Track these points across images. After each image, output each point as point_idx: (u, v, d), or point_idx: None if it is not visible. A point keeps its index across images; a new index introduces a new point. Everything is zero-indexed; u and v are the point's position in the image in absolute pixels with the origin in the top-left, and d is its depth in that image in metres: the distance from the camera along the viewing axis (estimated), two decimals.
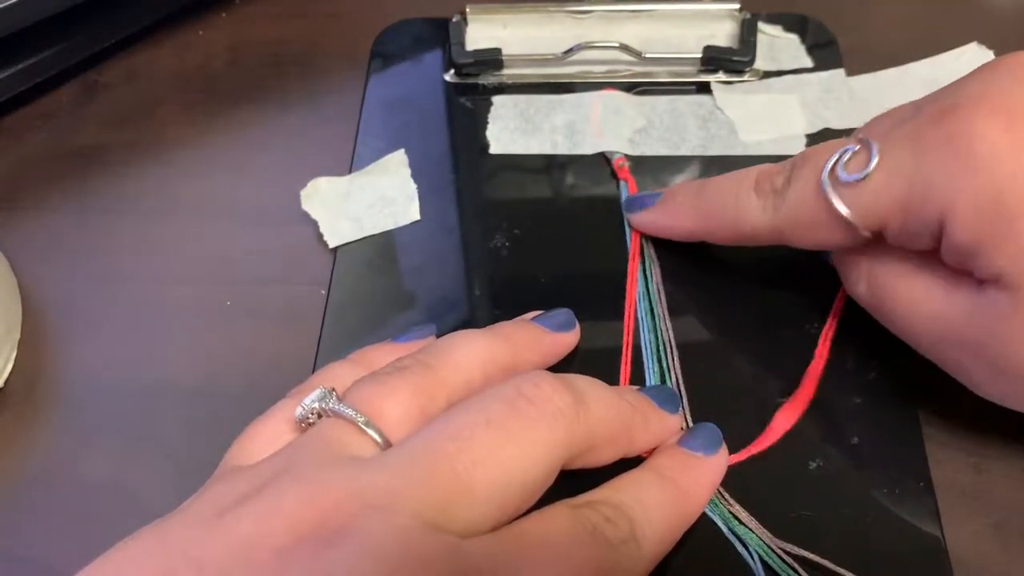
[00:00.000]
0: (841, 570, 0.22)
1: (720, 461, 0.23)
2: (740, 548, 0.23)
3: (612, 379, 0.26)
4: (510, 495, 0.19)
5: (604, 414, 0.22)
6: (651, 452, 0.24)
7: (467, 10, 0.36)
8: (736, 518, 0.23)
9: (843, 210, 0.23)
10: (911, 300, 0.23)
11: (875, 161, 0.22)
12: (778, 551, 0.23)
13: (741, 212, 0.26)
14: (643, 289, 0.28)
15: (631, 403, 0.23)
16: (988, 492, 0.24)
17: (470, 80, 0.35)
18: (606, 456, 0.22)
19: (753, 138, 0.32)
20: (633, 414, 0.23)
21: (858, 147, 0.23)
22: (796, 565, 0.22)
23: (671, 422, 0.24)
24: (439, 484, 0.19)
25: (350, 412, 0.21)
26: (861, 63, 0.34)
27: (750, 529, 0.23)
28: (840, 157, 0.23)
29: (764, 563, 0.23)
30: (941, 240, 0.22)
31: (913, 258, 0.23)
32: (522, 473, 0.19)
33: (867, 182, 0.22)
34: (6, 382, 0.28)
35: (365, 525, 0.18)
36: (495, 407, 0.20)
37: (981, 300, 0.22)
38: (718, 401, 0.26)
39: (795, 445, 0.25)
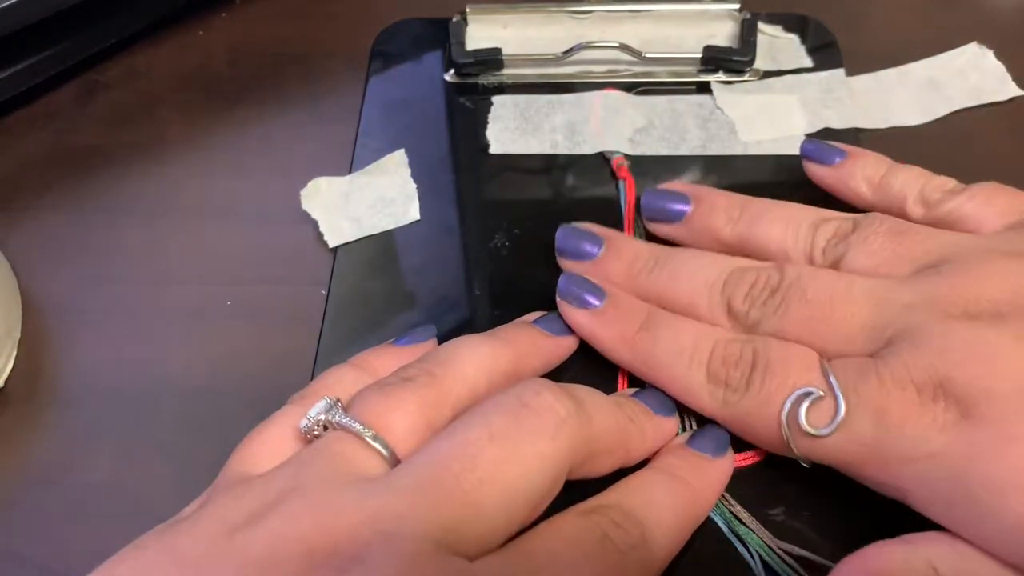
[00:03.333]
0: None
1: (727, 464, 0.23)
2: (741, 548, 0.23)
3: (611, 379, 0.26)
4: (517, 509, 0.19)
5: (604, 423, 0.22)
6: (653, 455, 0.24)
7: (467, 10, 0.36)
8: (737, 518, 0.23)
9: (797, 452, 0.22)
10: None
11: (838, 422, 0.21)
12: (778, 551, 0.23)
13: (689, 388, 0.24)
14: None
15: (628, 416, 0.23)
16: None
17: (470, 80, 0.35)
18: (605, 466, 0.22)
19: (753, 138, 0.33)
20: (629, 426, 0.23)
21: (823, 395, 0.22)
22: (796, 565, 0.22)
23: (667, 426, 0.24)
24: (447, 505, 0.19)
25: (357, 426, 0.21)
26: (861, 63, 0.35)
27: (751, 529, 0.23)
28: (802, 400, 0.22)
29: (764, 563, 0.23)
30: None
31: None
32: (528, 486, 0.20)
33: (827, 439, 0.22)
34: (6, 382, 0.28)
35: (377, 552, 0.18)
36: (498, 420, 0.20)
37: None
38: None
39: None
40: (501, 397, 0.21)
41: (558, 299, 0.26)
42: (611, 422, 0.22)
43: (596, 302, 0.26)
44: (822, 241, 0.25)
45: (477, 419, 0.20)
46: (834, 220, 0.25)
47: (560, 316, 0.26)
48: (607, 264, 0.27)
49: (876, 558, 0.20)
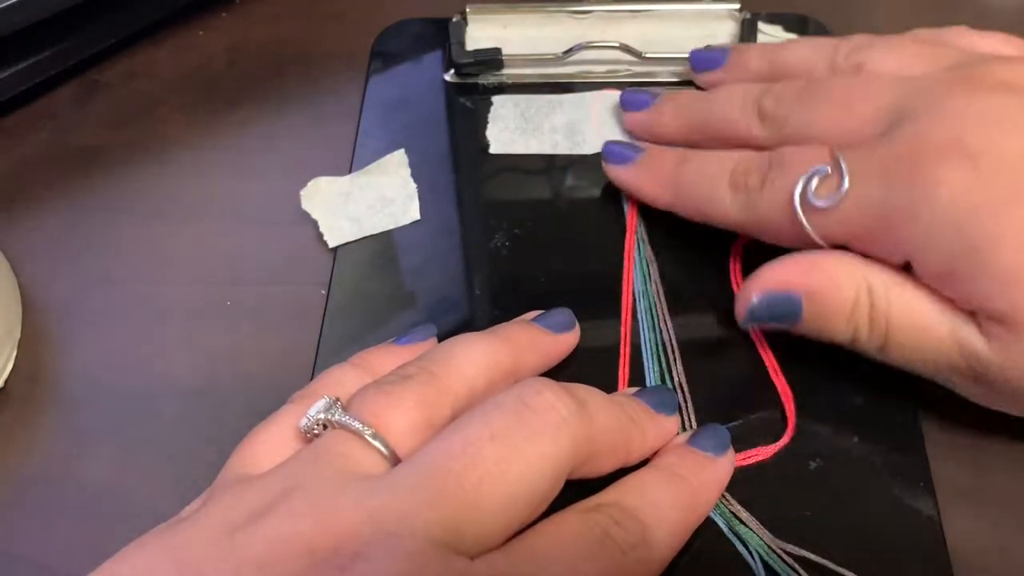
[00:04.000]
0: (841, 570, 0.22)
1: (728, 463, 0.23)
2: (741, 548, 0.23)
3: (612, 378, 0.26)
4: (518, 508, 0.19)
5: (605, 423, 0.22)
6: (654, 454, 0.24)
7: (467, 10, 0.36)
8: (737, 518, 0.23)
9: (810, 230, 0.24)
10: (922, 326, 0.23)
11: (844, 191, 0.23)
12: (778, 551, 0.23)
13: (714, 201, 0.26)
14: (642, 287, 0.28)
15: (629, 415, 0.23)
16: (988, 491, 0.24)
17: (470, 80, 0.35)
18: (606, 466, 0.22)
19: None
20: (631, 425, 0.23)
21: (830, 170, 0.23)
22: (796, 565, 0.22)
23: (668, 425, 0.24)
24: (448, 504, 0.19)
25: (356, 425, 0.21)
26: None
27: (751, 529, 0.23)
28: (812, 177, 0.24)
29: (764, 563, 0.23)
30: (914, 265, 0.23)
31: (916, 281, 0.23)
32: (529, 486, 0.19)
33: (836, 210, 0.23)
34: (6, 382, 0.28)
35: (378, 551, 0.18)
36: (499, 419, 0.20)
37: (971, 330, 0.22)
38: (720, 399, 0.26)
39: (795, 445, 0.25)
40: (502, 397, 0.21)
41: (604, 163, 0.30)
42: (612, 422, 0.22)
43: (636, 155, 0.29)
44: (846, 49, 0.28)
45: (478, 418, 0.20)
46: (859, 38, 0.28)
47: (560, 313, 0.26)
48: (662, 107, 0.31)
49: (822, 257, 0.24)
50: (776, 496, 0.24)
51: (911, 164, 0.22)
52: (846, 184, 0.23)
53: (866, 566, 0.22)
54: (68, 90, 0.36)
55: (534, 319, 0.26)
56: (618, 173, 0.30)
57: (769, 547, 0.23)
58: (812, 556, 0.22)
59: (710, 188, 0.26)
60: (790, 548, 0.23)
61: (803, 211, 0.24)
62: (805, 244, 0.25)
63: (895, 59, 0.26)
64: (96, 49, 0.36)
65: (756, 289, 0.25)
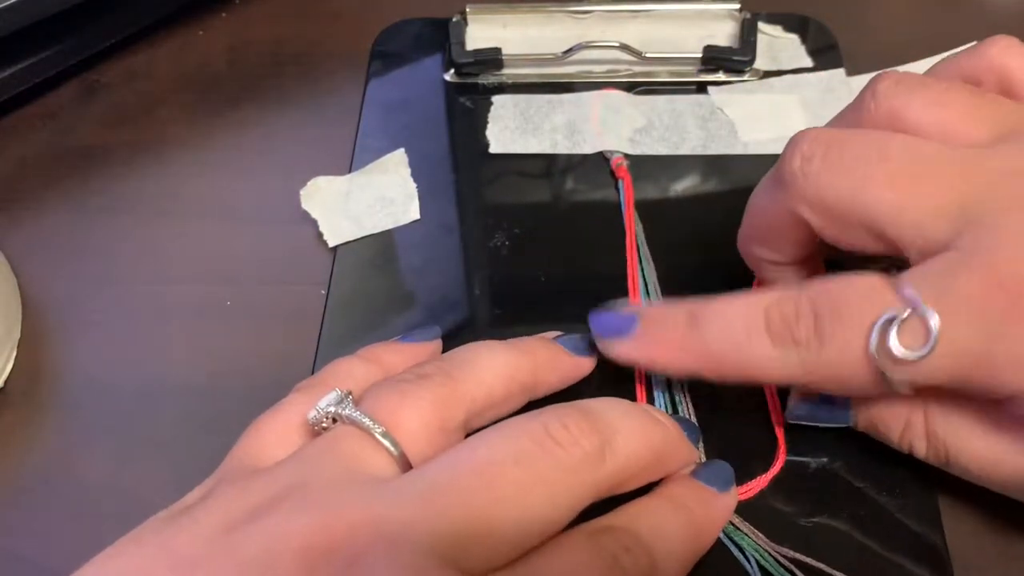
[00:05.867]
0: (838, 574, 0.22)
1: (732, 500, 0.23)
2: (737, 553, 0.23)
3: (629, 391, 0.26)
4: (529, 534, 0.19)
5: (634, 449, 0.21)
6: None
7: (467, 10, 0.36)
8: (731, 524, 0.23)
9: (897, 384, 0.20)
10: (985, 460, 0.22)
11: (934, 338, 0.19)
12: (775, 555, 0.23)
13: (756, 361, 0.22)
14: (642, 287, 0.28)
15: (662, 437, 0.22)
16: (988, 492, 0.24)
17: (470, 80, 0.35)
18: (633, 486, 0.22)
19: (753, 137, 0.32)
20: (664, 443, 0.22)
21: (907, 314, 0.20)
22: (793, 567, 0.22)
23: (692, 455, 0.23)
24: (458, 520, 0.18)
25: (367, 421, 0.20)
26: (861, 63, 0.34)
27: (746, 534, 0.23)
28: (888, 326, 0.20)
29: (761, 567, 0.23)
30: (1007, 402, 0.20)
31: (976, 411, 0.22)
32: (544, 515, 0.19)
33: (928, 359, 0.20)
34: (6, 382, 0.28)
35: (376, 558, 0.17)
36: (522, 445, 0.19)
37: None
38: (718, 398, 0.26)
39: (795, 447, 0.25)
40: (527, 421, 0.20)
41: (598, 341, 0.24)
42: (642, 443, 0.21)
43: (632, 324, 0.24)
44: (872, 90, 0.23)
45: (502, 439, 0.20)
46: (886, 81, 0.23)
47: (580, 337, 0.25)
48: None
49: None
50: (774, 498, 0.24)
51: (1000, 299, 0.19)
52: (935, 328, 0.19)
53: (866, 567, 0.22)
54: (68, 90, 0.36)
55: (555, 339, 0.25)
56: (619, 350, 0.24)
57: (765, 551, 0.23)
58: (809, 560, 0.22)
59: (747, 347, 0.22)
60: (786, 552, 0.23)
61: (886, 364, 0.20)
62: (877, 391, 0.21)
63: (949, 115, 0.22)
64: (96, 49, 0.36)
65: (801, 396, 0.23)
